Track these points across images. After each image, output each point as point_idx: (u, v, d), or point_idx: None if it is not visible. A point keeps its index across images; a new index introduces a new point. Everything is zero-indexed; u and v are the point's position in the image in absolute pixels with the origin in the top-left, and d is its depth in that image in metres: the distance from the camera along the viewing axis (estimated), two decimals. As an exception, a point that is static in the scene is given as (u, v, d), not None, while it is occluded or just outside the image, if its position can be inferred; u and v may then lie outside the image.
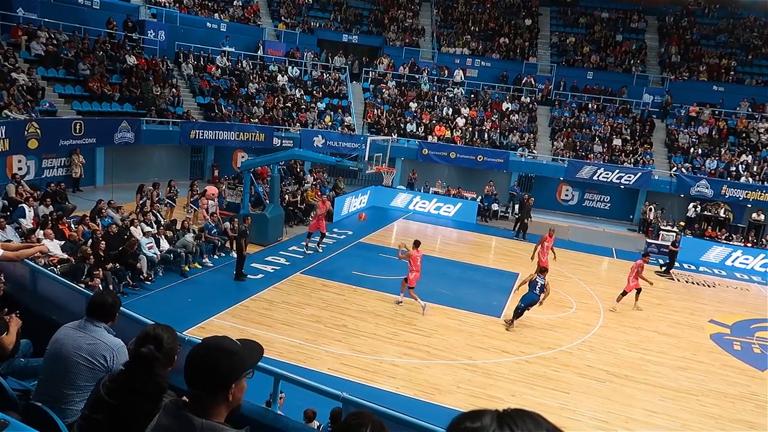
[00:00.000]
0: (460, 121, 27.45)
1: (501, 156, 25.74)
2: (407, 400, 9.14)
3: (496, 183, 25.49)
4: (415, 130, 27.02)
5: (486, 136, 26.88)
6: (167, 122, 21.35)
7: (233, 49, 26.46)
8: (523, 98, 28.71)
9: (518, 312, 12.69)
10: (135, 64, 21.86)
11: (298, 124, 25.29)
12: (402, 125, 27.03)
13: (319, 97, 27.17)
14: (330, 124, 26.16)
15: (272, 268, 14.92)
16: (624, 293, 15.01)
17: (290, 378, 3.81)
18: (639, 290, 15.12)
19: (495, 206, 24.78)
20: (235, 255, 15.20)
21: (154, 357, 2.48)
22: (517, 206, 24.39)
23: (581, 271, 18.28)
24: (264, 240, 16.73)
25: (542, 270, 13.32)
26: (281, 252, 16.42)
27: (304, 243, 16.73)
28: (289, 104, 25.89)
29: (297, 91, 26.88)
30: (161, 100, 21.65)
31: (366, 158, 20.15)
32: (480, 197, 24.79)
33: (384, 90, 28.71)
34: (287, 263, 15.47)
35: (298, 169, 24.12)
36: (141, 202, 15.99)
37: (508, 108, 28.18)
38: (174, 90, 22.60)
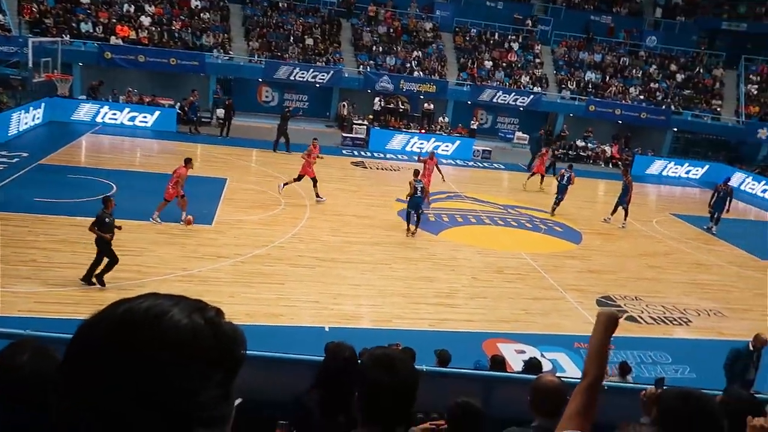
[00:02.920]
0: (146, 20, 24.84)
1: (196, 58, 24.34)
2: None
3: (193, 86, 24.27)
4: (91, 31, 23.59)
5: (177, 36, 24.98)
6: None
7: None
8: (212, -5, 27.16)
9: (409, 216, 14.11)
10: None
11: (-76, 23, 19.77)
12: (74, 24, 23.29)
13: (-50, -13, 21.44)
14: (-27, 22, 21.07)
15: None
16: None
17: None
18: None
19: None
20: None
21: None
22: (219, 110, 23.79)
23: (286, 170, 19.03)
24: None
25: (416, 173, 14.44)
26: (-71, 187, 13.27)
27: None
28: None
29: None
30: None
31: (30, 64, 17.05)
32: (179, 105, 23.34)
33: (43, -20, 24.03)
34: (-59, 199, 12.61)
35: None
36: None
37: (198, 5, 26.43)
38: None
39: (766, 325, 11.86)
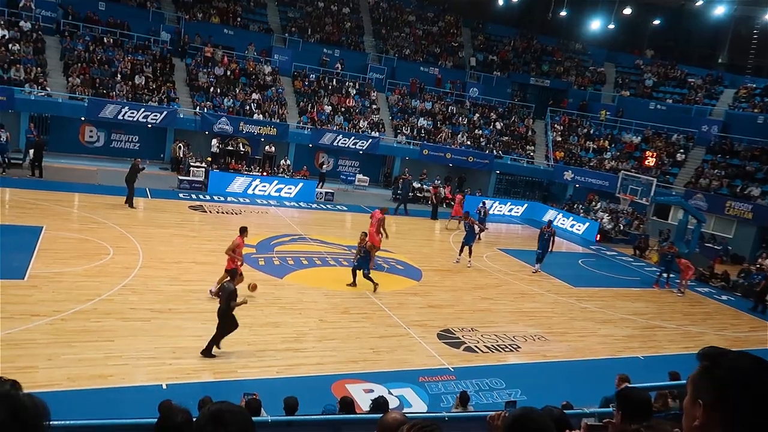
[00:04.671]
0: (-62, 48, 21.81)
1: (2, 93, 21.77)
2: None
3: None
4: None
5: (-21, 68, 22.22)
6: None
7: None
8: (23, 24, 24.71)
9: (355, 271, 14.50)
10: None
11: None
12: None
13: None
14: None
15: None
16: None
17: None
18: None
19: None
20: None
21: None
22: (32, 151, 21.39)
23: (115, 215, 17.61)
24: None
25: (364, 235, 14.80)
26: None
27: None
28: None
29: None
30: None
31: None
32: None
33: None
34: None
35: None
36: None
37: (5, 36, 23.83)
38: None
39: (583, 346, 13.32)
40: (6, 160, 20.58)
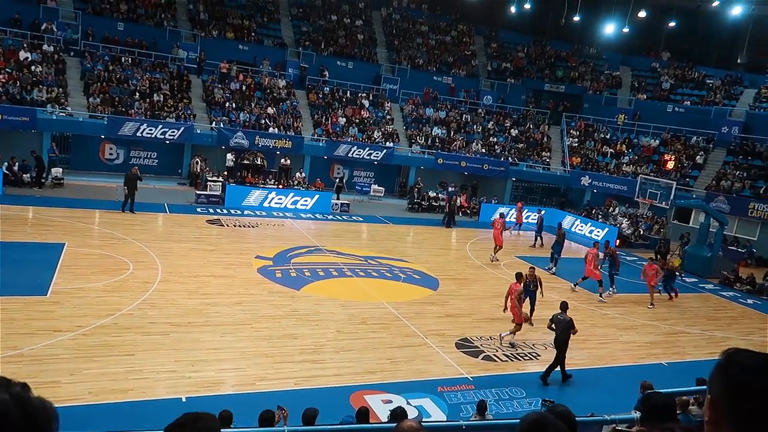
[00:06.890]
0: (-37, 72, 22.40)
1: (26, 114, 22.28)
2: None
3: (26, 145, 22.17)
4: None
5: (2, 90, 22.76)
6: None
7: None
8: (45, 47, 25.29)
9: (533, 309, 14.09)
10: None
11: None
12: None
13: None
14: None
15: None
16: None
17: None
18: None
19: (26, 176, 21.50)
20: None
21: None
22: (55, 170, 21.86)
23: (135, 231, 17.86)
24: None
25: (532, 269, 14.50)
26: None
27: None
28: None
29: None
30: None
31: None
32: (6, 165, 21.05)
33: None
34: None
35: None
36: None
37: (28, 58, 24.43)
38: None
39: (605, 353, 13.14)
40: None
